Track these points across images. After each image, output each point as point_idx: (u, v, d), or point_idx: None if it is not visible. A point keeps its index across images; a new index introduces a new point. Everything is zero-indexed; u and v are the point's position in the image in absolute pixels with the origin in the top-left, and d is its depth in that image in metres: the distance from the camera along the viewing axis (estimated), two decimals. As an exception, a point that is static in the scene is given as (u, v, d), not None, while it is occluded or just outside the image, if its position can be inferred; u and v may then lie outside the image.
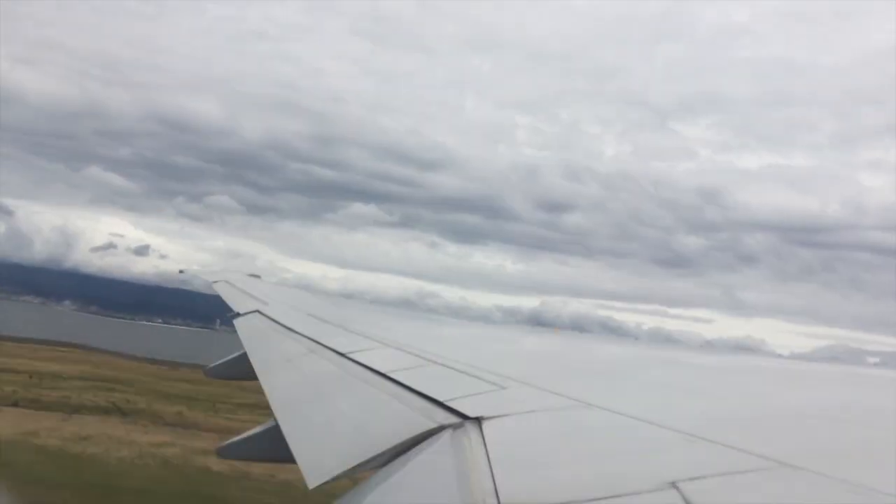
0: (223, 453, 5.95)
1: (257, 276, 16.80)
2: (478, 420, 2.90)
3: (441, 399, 3.33)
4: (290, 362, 5.88)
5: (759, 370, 4.98)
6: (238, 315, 9.75)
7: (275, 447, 4.19)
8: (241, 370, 7.50)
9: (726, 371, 4.96)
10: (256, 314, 9.36)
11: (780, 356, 5.60)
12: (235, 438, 5.87)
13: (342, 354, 5.27)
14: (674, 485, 1.95)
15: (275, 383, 5.26)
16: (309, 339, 6.45)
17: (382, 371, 4.33)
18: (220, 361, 9.23)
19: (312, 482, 2.85)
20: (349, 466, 2.82)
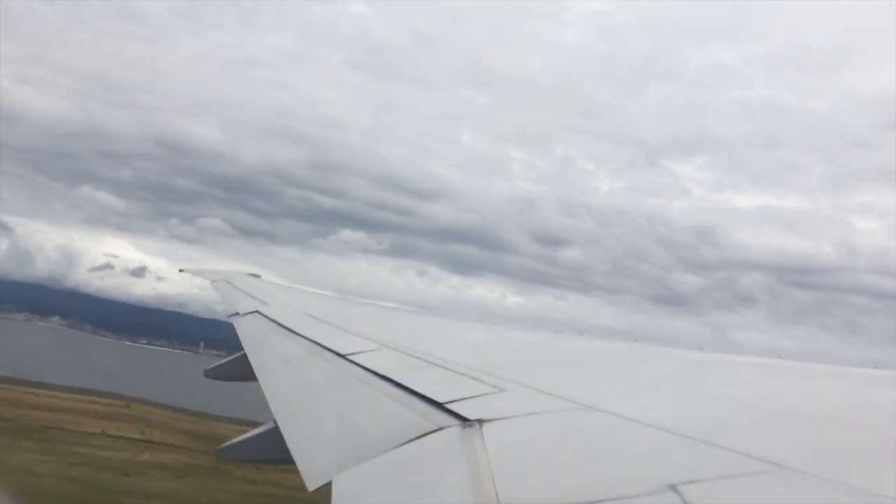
0: (223, 455, 5.95)
1: (257, 276, 16.77)
2: (478, 422, 2.90)
3: (441, 401, 3.33)
4: (290, 364, 5.88)
5: (758, 372, 4.97)
6: (238, 315, 9.75)
7: (274, 449, 4.19)
8: (241, 371, 7.50)
9: (726, 373, 4.96)
10: (256, 314, 9.35)
11: (778, 358, 5.59)
12: (235, 440, 5.86)
13: (342, 356, 5.27)
14: (673, 488, 1.95)
15: (274, 385, 5.26)
16: (308, 340, 6.44)
17: (382, 373, 4.33)
18: (219, 363, 9.23)
19: (312, 484, 2.85)
20: (348, 469, 2.82)
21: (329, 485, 2.75)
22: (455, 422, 2.99)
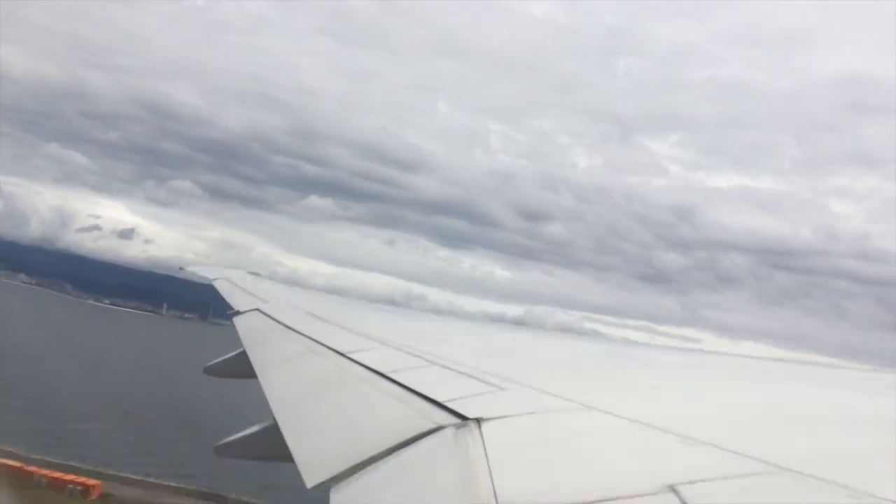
0: (221, 452, 5.94)
1: (257, 274, 16.79)
2: (477, 421, 2.90)
3: (440, 400, 3.33)
4: (290, 361, 5.88)
5: (757, 372, 4.97)
6: (238, 313, 9.75)
7: (273, 446, 4.19)
8: (240, 368, 7.50)
9: (725, 373, 4.96)
10: (256, 312, 9.36)
11: (778, 359, 5.60)
12: (233, 437, 5.86)
13: (342, 354, 5.27)
14: (672, 488, 1.95)
15: (274, 382, 5.26)
16: (308, 338, 6.44)
17: (382, 371, 4.33)
18: (219, 359, 9.23)
19: (310, 482, 2.85)
20: (347, 466, 2.82)
21: (327, 482, 2.75)
22: (454, 420, 2.99)
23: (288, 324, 7.69)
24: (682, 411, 3.21)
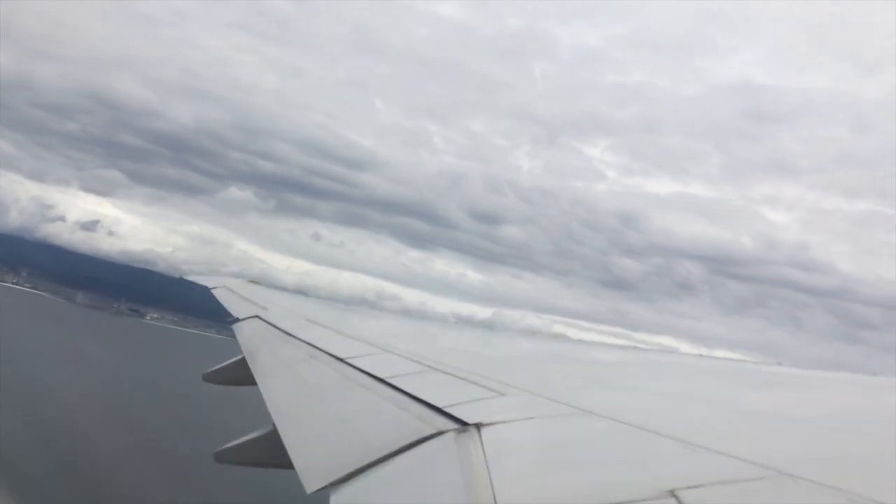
0: (220, 458, 5.92)
1: (257, 283, 16.80)
2: (477, 426, 2.90)
3: (440, 405, 3.33)
4: (289, 367, 5.87)
5: (758, 377, 4.97)
6: (237, 320, 9.74)
7: (272, 452, 4.18)
8: (240, 375, 7.49)
9: (725, 378, 4.96)
10: (256, 319, 9.35)
11: (778, 364, 5.60)
12: (233, 443, 5.85)
13: (341, 360, 5.27)
14: (673, 493, 1.95)
15: (273, 388, 5.26)
16: (308, 344, 6.44)
17: (381, 377, 4.33)
18: (218, 366, 9.21)
19: (310, 487, 2.85)
20: (347, 472, 2.82)
21: (327, 487, 2.75)
22: (454, 425, 2.99)
23: (287, 330, 7.69)
24: (682, 416, 3.21)
